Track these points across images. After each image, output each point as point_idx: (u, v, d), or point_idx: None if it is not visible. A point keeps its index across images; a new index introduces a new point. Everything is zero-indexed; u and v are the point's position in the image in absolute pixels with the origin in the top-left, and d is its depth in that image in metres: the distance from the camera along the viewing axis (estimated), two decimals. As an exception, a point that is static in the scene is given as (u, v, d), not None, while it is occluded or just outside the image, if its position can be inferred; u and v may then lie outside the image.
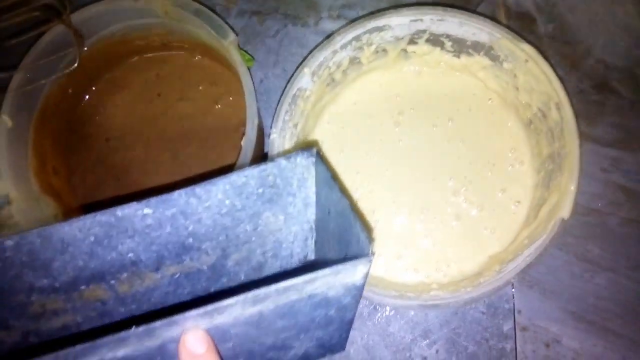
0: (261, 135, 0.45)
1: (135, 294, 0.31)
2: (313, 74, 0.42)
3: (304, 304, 0.23)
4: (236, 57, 0.40)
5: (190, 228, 0.30)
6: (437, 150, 0.44)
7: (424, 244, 0.43)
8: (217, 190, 0.29)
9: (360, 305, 0.44)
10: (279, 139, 0.40)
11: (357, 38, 0.42)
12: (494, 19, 0.43)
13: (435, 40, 0.44)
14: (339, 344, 0.28)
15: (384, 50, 0.45)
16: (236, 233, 0.31)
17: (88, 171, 0.48)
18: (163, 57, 0.50)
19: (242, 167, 0.30)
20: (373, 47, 0.44)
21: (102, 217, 0.28)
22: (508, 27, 0.41)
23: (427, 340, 0.43)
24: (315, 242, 0.32)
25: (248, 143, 0.39)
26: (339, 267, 0.22)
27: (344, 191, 0.26)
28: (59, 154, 0.48)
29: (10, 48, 0.43)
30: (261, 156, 0.45)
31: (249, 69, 0.41)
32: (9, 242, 0.27)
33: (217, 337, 0.23)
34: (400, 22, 0.42)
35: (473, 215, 0.43)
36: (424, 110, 0.46)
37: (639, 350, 0.41)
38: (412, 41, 0.44)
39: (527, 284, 0.43)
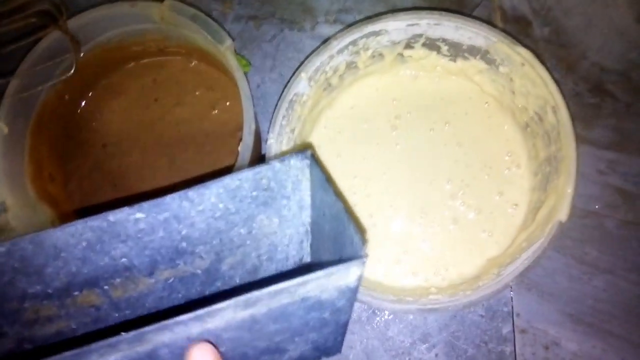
0: (258, 140, 0.44)
1: (129, 299, 0.31)
2: (310, 78, 0.42)
3: (298, 307, 0.23)
4: (233, 63, 0.40)
5: (184, 232, 0.29)
6: (434, 154, 0.45)
7: (422, 247, 0.43)
8: (211, 194, 0.29)
9: (359, 310, 0.44)
10: (276, 144, 0.40)
11: (353, 42, 0.42)
12: (490, 22, 0.43)
13: (431, 45, 0.44)
14: (335, 347, 0.28)
15: (381, 55, 0.45)
16: (230, 237, 0.31)
17: (85, 177, 0.48)
18: (160, 62, 0.50)
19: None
20: (370, 52, 0.44)
21: (94, 222, 0.27)
22: (504, 30, 0.42)
23: (427, 344, 0.43)
24: (311, 244, 0.32)
25: (245, 148, 0.39)
26: (332, 269, 0.21)
27: (338, 193, 0.26)
28: (56, 160, 0.48)
29: (7, 54, 0.43)
30: (258, 161, 0.45)
31: (245, 74, 0.40)
32: (0, 249, 0.27)
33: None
34: (396, 27, 0.42)
35: (471, 218, 0.43)
36: (420, 114, 0.46)
37: (637, 351, 0.41)
38: (408, 45, 0.44)
39: (525, 286, 0.43)
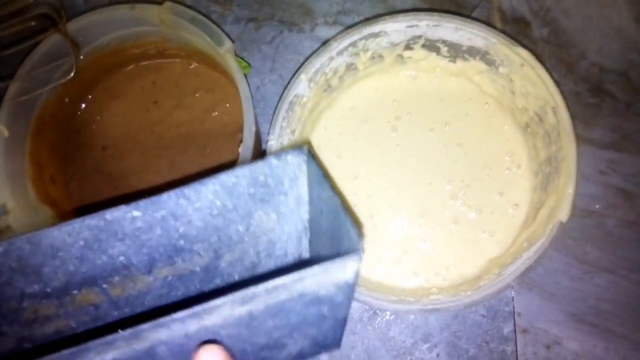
0: (258, 142, 0.45)
1: (128, 298, 0.31)
2: (310, 80, 0.42)
3: (295, 303, 0.22)
4: (232, 65, 0.40)
5: (181, 230, 0.29)
6: (435, 155, 0.45)
7: (423, 248, 0.43)
8: (207, 191, 0.28)
9: (361, 310, 0.44)
10: (277, 145, 0.40)
11: (353, 44, 0.42)
12: (489, 24, 0.43)
13: (431, 46, 0.44)
14: (334, 342, 0.28)
15: (380, 56, 0.45)
16: (228, 234, 0.30)
17: (85, 179, 0.48)
18: (159, 65, 0.50)
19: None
20: (369, 53, 0.44)
21: (91, 220, 0.27)
22: (503, 31, 0.42)
23: (428, 344, 0.43)
24: (310, 241, 0.32)
25: (246, 149, 0.39)
26: (329, 264, 0.21)
27: (335, 189, 0.26)
28: (56, 162, 0.48)
29: (7, 58, 0.43)
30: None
31: (245, 75, 0.41)
32: None
33: (207, 339, 0.22)
34: (396, 28, 0.42)
35: (471, 218, 0.43)
36: (420, 115, 0.46)
37: (639, 350, 0.41)
38: (408, 47, 0.44)
39: (526, 286, 0.43)
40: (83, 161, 0.49)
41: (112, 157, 0.49)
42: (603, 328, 0.42)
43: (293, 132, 0.42)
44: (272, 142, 0.40)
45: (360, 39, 0.42)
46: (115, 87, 0.50)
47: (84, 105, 0.50)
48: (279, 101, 0.41)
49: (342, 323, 0.26)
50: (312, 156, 0.28)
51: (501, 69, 0.42)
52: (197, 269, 0.31)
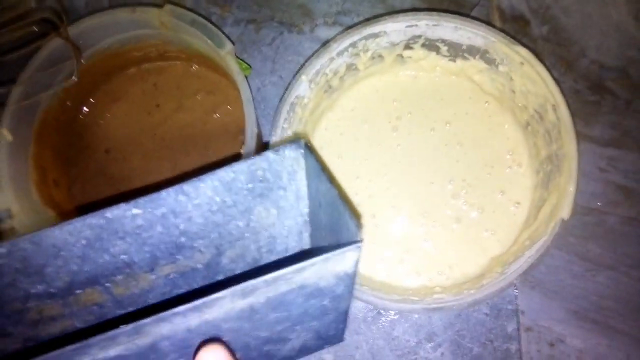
0: (260, 143, 0.45)
1: (131, 296, 0.31)
2: (310, 81, 0.42)
3: (296, 295, 0.22)
4: (233, 67, 0.41)
5: (182, 227, 0.29)
6: (436, 154, 0.45)
7: (425, 247, 0.43)
8: (206, 187, 0.28)
9: (364, 310, 0.45)
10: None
11: (353, 45, 0.42)
12: (488, 22, 0.43)
13: (430, 45, 0.44)
14: (337, 335, 0.28)
15: (380, 56, 0.45)
16: (229, 230, 0.30)
17: (88, 182, 0.49)
18: (160, 67, 0.50)
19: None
20: (369, 53, 0.44)
21: (92, 219, 0.27)
22: (502, 30, 0.42)
23: (432, 343, 0.43)
24: (310, 235, 0.32)
25: (248, 150, 0.39)
26: (328, 255, 0.21)
27: (333, 181, 0.26)
28: (59, 166, 0.48)
29: (9, 62, 0.43)
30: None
31: (246, 77, 0.41)
32: (2, 249, 0.26)
33: (209, 333, 0.22)
34: (395, 28, 0.42)
35: (473, 217, 0.43)
36: (421, 114, 0.46)
37: (642, 347, 0.41)
38: (407, 46, 0.44)
39: (529, 284, 0.43)
40: (86, 164, 0.49)
41: (115, 159, 0.49)
42: (606, 325, 0.42)
43: (294, 133, 0.42)
44: (274, 144, 0.40)
45: (360, 40, 0.42)
46: (116, 90, 0.50)
47: (85, 109, 0.50)
48: (279, 102, 0.41)
49: (344, 316, 0.26)
50: (310, 149, 0.28)
51: (501, 68, 0.42)
52: (199, 265, 0.31)
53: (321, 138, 0.46)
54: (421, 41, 0.44)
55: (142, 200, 0.27)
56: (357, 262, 0.22)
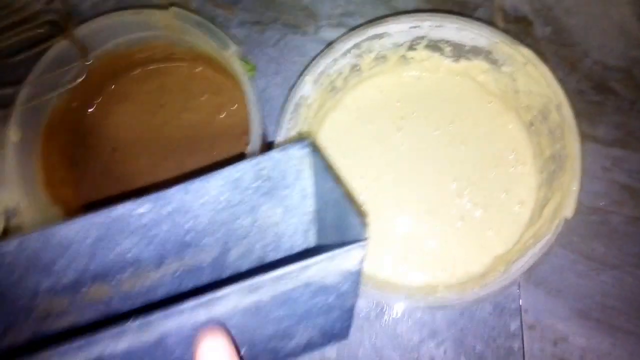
0: (264, 143, 0.45)
1: (138, 293, 0.31)
2: (315, 81, 0.42)
3: (302, 292, 0.23)
4: (238, 68, 0.41)
5: (188, 225, 0.29)
6: (440, 154, 0.45)
7: (429, 246, 0.43)
8: (212, 186, 0.28)
9: (368, 307, 0.45)
10: (283, 147, 0.41)
11: (357, 46, 0.42)
12: (491, 23, 0.44)
13: (434, 46, 0.44)
14: (342, 332, 0.28)
15: (384, 57, 0.45)
16: (235, 228, 0.30)
17: (94, 181, 0.49)
18: (165, 68, 0.51)
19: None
20: (373, 54, 0.44)
21: (100, 217, 0.27)
22: (506, 31, 0.42)
23: (435, 341, 0.43)
24: (316, 234, 0.32)
25: (252, 151, 0.39)
26: (333, 253, 0.21)
27: (338, 180, 0.26)
28: (66, 165, 0.48)
29: (16, 64, 0.44)
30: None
31: (251, 78, 0.41)
32: (11, 246, 0.27)
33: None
34: (399, 29, 0.42)
35: (477, 216, 0.43)
36: (425, 114, 0.46)
37: (645, 346, 0.42)
38: (411, 47, 0.45)
39: (533, 283, 0.44)
40: (92, 164, 0.49)
41: (121, 159, 0.49)
42: (609, 324, 0.42)
43: (299, 133, 0.42)
44: (279, 144, 0.41)
45: (364, 41, 0.42)
46: (122, 91, 0.51)
47: (92, 109, 0.51)
48: (284, 103, 0.42)
49: (349, 313, 0.26)
50: (315, 148, 0.28)
51: (504, 68, 0.43)
52: (205, 263, 0.31)
53: (325, 138, 0.47)
54: (424, 42, 0.44)
55: (149, 198, 0.27)
56: (362, 260, 0.23)
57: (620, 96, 0.47)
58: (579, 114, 0.38)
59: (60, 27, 0.43)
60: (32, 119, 0.43)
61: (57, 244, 0.27)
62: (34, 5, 0.46)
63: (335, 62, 0.43)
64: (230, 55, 0.41)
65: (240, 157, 0.47)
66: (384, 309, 0.44)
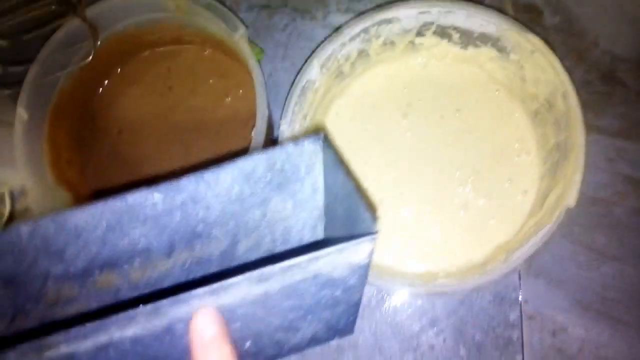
0: (270, 127, 0.45)
1: (147, 281, 0.31)
2: (322, 66, 0.42)
3: (310, 284, 0.23)
4: (246, 51, 0.41)
5: (200, 214, 0.29)
6: (445, 142, 0.45)
7: (432, 234, 0.43)
8: (226, 176, 0.28)
9: (369, 295, 0.45)
10: (289, 131, 0.41)
11: (365, 30, 0.42)
12: (501, 11, 0.43)
13: (442, 32, 0.44)
14: (347, 327, 0.28)
15: (392, 43, 0.45)
16: (245, 220, 0.31)
17: (101, 163, 0.49)
18: (174, 51, 0.51)
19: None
20: (381, 40, 0.44)
21: (114, 203, 0.27)
22: (515, 19, 0.42)
23: (435, 329, 0.44)
24: (325, 228, 0.32)
25: (258, 135, 0.39)
26: (343, 245, 0.22)
27: (349, 174, 0.26)
28: (73, 145, 0.49)
29: (27, 42, 0.44)
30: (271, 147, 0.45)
31: (259, 61, 0.41)
32: (25, 229, 0.27)
33: (224, 318, 0.23)
34: (408, 15, 0.42)
35: (480, 205, 0.43)
36: (431, 102, 0.46)
37: (645, 338, 0.42)
38: (419, 33, 0.44)
39: (533, 273, 0.44)
40: (99, 145, 0.50)
41: (128, 141, 0.50)
42: (609, 316, 0.42)
43: (305, 117, 0.43)
44: (284, 127, 0.41)
45: (373, 25, 0.42)
46: (131, 72, 0.51)
47: (100, 90, 0.51)
48: (291, 87, 0.42)
49: (355, 307, 0.27)
50: (328, 142, 0.28)
51: (512, 56, 0.42)
52: (215, 254, 0.31)
53: (331, 123, 0.47)
54: (433, 28, 0.44)
55: (163, 186, 0.28)
56: (371, 254, 0.23)
57: (627, 87, 0.47)
58: (584, 105, 0.38)
59: (71, 5, 0.44)
60: (40, 98, 0.44)
61: (69, 230, 0.28)
62: (45, -17, 0.47)
63: (343, 46, 0.43)
64: (239, 38, 0.41)
65: (244, 142, 0.47)
66: (385, 297, 0.45)
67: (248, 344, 0.26)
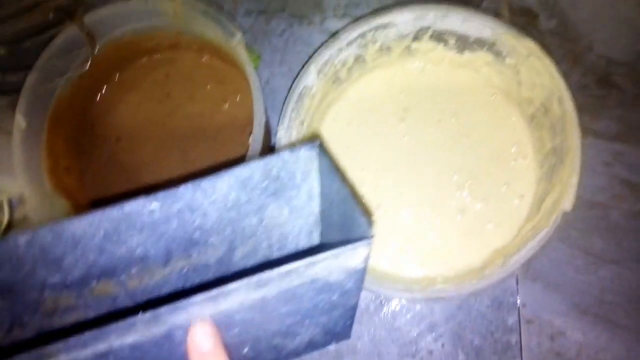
0: (268, 133, 0.45)
1: (144, 289, 0.31)
2: (319, 71, 0.42)
3: (307, 289, 0.23)
4: (243, 57, 0.41)
5: (197, 222, 0.29)
6: (442, 146, 0.45)
7: (429, 238, 0.43)
8: (223, 184, 0.29)
9: (367, 300, 0.45)
10: (286, 136, 0.41)
11: (362, 35, 0.43)
12: (497, 15, 0.44)
13: (438, 37, 0.44)
14: (344, 332, 0.28)
15: (389, 48, 0.45)
16: (242, 227, 0.31)
17: (99, 170, 0.49)
18: (172, 57, 0.51)
19: (248, 163, 0.30)
20: (378, 45, 0.44)
21: (111, 211, 0.27)
22: (511, 23, 0.42)
23: (433, 334, 0.44)
24: (321, 234, 0.32)
25: (255, 140, 0.39)
26: (339, 250, 0.22)
27: (344, 180, 0.26)
28: (71, 153, 0.49)
29: (25, 49, 0.44)
30: (268, 153, 0.45)
31: (255, 68, 0.41)
32: (23, 238, 0.27)
33: (223, 324, 0.23)
34: (404, 20, 0.42)
35: (477, 209, 0.43)
36: (428, 106, 0.46)
37: (643, 342, 0.42)
38: (416, 38, 0.45)
39: (531, 277, 0.44)
40: (97, 151, 0.50)
41: (126, 148, 0.50)
42: (607, 319, 0.42)
43: (302, 123, 0.43)
44: (282, 133, 0.41)
45: (369, 30, 0.42)
46: (129, 79, 0.51)
47: (98, 97, 0.51)
48: (288, 92, 0.42)
49: (351, 312, 0.27)
50: (324, 149, 0.28)
51: (508, 60, 0.43)
52: (212, 261, 0.31)
53: (328, 129, 0.47)
54: (429, 33, 0.44)
55: (160, 195, 0.28)
56: (367, 258, 0.23)
57: (623, 91, 0.47)
58: (580, 108, 0.38)
59: (69, 13, 0.44)
60: (38, 105, 0.44)
61: (66, 239, 0.28)
62: (43, -9, 0.47)
63: (340, 51, 0.43)
64: (236, 44, 0.41)
65: (242, 148, 0.47)
66: (383, 302, 0.45)
67: (246, 349, 0.26)
